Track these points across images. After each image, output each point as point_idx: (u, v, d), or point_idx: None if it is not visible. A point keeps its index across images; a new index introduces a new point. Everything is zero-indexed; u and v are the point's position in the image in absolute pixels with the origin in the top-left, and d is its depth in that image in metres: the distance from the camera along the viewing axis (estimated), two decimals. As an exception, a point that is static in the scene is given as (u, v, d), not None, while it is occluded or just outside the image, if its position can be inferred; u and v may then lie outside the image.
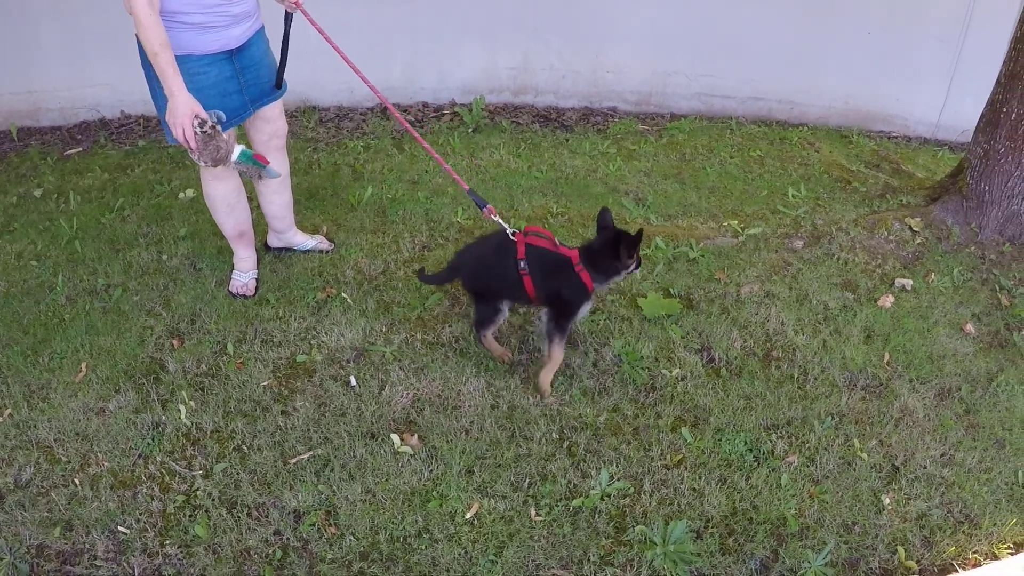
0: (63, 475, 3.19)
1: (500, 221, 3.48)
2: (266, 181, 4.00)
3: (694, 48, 6.47)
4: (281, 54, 3.76)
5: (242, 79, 3.58)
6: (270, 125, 3.90)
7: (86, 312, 4.03)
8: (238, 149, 3.47)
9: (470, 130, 6.20)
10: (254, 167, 3.58)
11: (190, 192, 5.10)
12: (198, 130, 3.26)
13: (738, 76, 6.60)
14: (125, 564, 2.88)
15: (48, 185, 5.36)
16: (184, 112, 3.19)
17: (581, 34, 6.41)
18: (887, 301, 4.21)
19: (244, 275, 4.17)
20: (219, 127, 3.36)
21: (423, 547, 2.91)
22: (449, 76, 6.56)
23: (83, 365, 3.68)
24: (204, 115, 3.26)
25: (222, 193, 3.90)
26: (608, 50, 6.51)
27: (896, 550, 2.98)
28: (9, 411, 3.46)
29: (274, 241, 4.45)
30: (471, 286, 3.64)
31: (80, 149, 5.96)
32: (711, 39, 6.41)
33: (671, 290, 4.16)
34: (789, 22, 6.36)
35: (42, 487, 3.15)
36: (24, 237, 4.72)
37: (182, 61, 3.27)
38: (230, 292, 4.11)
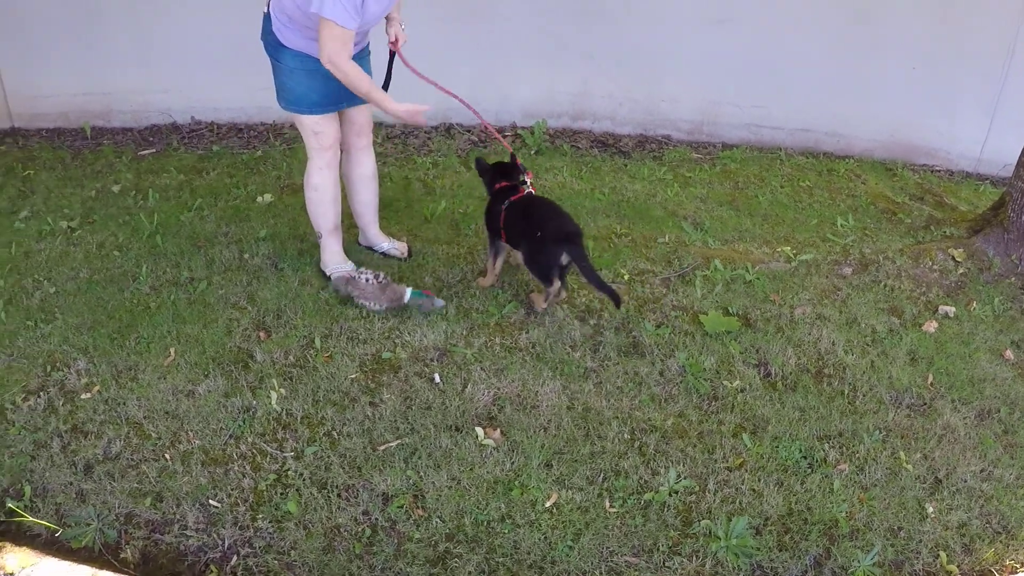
0: (153, 450, 3.33)
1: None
2: (356, 177, 4.35)
3: (744, 80, 6.55)
4: (384, 81, 4.10)
5: None
6: (355, 126, 4.18)
7: (172, 302, 4.15)
8: (408, 291, 4.05)
9: (532, 152, 6.32)
10: (426, 300, 4.05)
11: (268, 196, 5.25)
12: (374, 281, 4.05)
13: (787, 107, 6.67)
14: (215, 535, 3.02)
15: (125, 182, 5.49)
16: (414, 111, 3.83)
17: (637, 63, 6.50)
18: (931, 327, 4.36)
19: (346, 264, 4.33)
20: (389, 279, 4.13)
21: (506, 531, 3.07)
22: (511, 99, 6.65)
23: (171, 350, 3.81)
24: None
25: (332, 182, 4.12)
26: (663, 79, 6.60)
27: (938, 555, 3.14)
28: (97, 388, 3.60)
29: (361, 239, 4.68)
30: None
31: (153, 150, 6.11)
32: (761, 71, 6.49)
33: (729, 309, 4.32)
34: (836, 56, 6.44)
35: (132, 460, 3.28)
36: (104, 229, 4.84)
37: (303, 57, 3.71)
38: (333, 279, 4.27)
